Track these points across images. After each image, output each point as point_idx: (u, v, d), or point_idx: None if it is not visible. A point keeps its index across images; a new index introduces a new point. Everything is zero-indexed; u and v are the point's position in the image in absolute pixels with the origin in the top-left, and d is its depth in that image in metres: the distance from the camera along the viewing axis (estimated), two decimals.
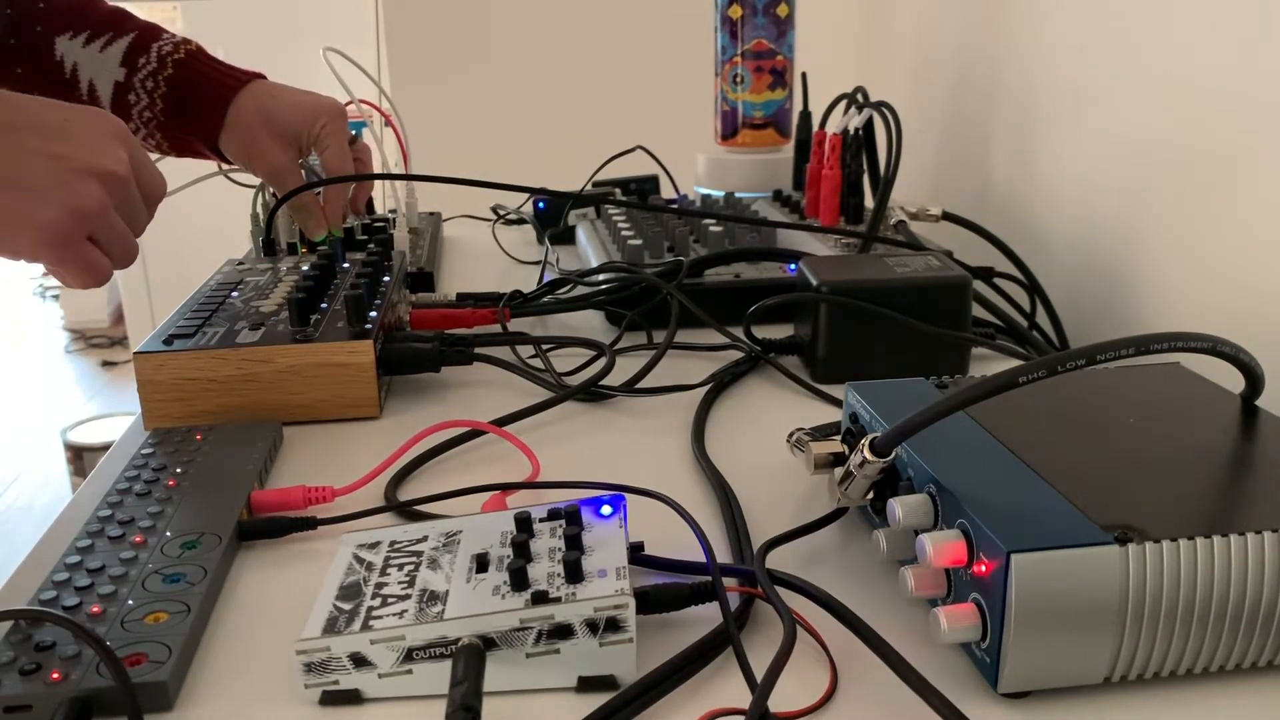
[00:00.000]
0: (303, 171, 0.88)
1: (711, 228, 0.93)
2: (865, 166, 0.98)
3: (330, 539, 0.52)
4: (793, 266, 0.87)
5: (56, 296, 4.19)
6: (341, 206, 0.91)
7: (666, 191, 1.21)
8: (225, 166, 0.96)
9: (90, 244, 0.60)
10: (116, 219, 0.61)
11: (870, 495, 0.48)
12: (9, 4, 0.82)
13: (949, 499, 0.42)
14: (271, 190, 0.97)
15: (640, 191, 1.19)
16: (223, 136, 0.85)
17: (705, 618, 0.44)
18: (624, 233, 0.94)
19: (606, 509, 0.48)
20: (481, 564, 0.44)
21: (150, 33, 0.85)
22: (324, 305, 0.73)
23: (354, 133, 0.92)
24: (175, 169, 0.98)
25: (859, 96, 0.97)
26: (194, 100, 0.84)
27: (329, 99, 0.89)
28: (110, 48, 0.82)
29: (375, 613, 0.42)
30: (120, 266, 0.63)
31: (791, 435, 0.56)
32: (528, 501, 0.53)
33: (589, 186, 1.17)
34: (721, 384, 0.72)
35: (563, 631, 0.41)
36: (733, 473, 0.58)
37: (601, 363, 0.72)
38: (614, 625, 0.41)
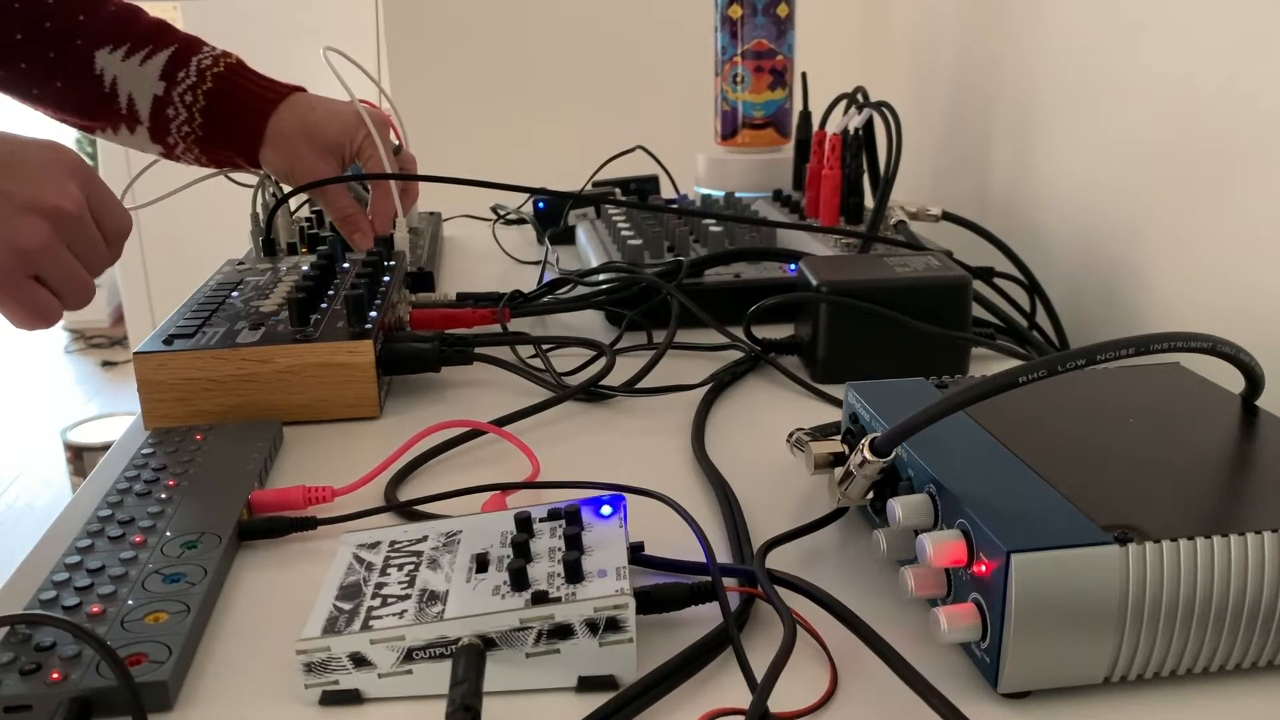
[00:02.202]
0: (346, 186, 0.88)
1: (711, 228, 0.93)
2: (865, 166, 0.98)
3: (330, 539, 0.52)
4: (793, 266, 0.87)
5: None
6: (389, 215, 0.90)
7: (666, 191, 1.21)
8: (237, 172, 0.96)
9: (36, 283, 0.58)
10: (67, 257, 0.59)
11: (870, 495, 0.48)
12: (50, 18, 0.82)
13: (949, 499, 0.42)
14: (271, 190, 0.97)
15: (640, 191, 1.19)
16: (263, 151, 0.85)
17: (705, 618, 0.44)
18: (624, 233, 0.94)
19: (606, 509, 0.48)
20: (481, 564, 0.44)
21: (190, 46, 0.85)
22: (324, 305, 0.73)
23: (397, 143, 0.92)
24: (175, 168, 0.98)
25: (859, 96, 0.97)
26: (233, 115, 0.83)
27: (369, 108, 0.88)
28: (150, 61, 0.82)
29: (375, 613, 0.42)
30: (72, 308, 0.60)
31: (791, 435, 0.56)
32: (528, 501, 0.53)
33: (589, 186, 1.17)
34: (721, 384, 0.72)
35: (563, 631, 0.41)
36: (733, 473, 0.58)
37: (601, 363, 0.72)
38: (614, 625, 0.41)
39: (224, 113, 0.83)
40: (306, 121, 0.84)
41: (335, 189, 0.86)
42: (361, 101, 0.90)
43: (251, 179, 0.98)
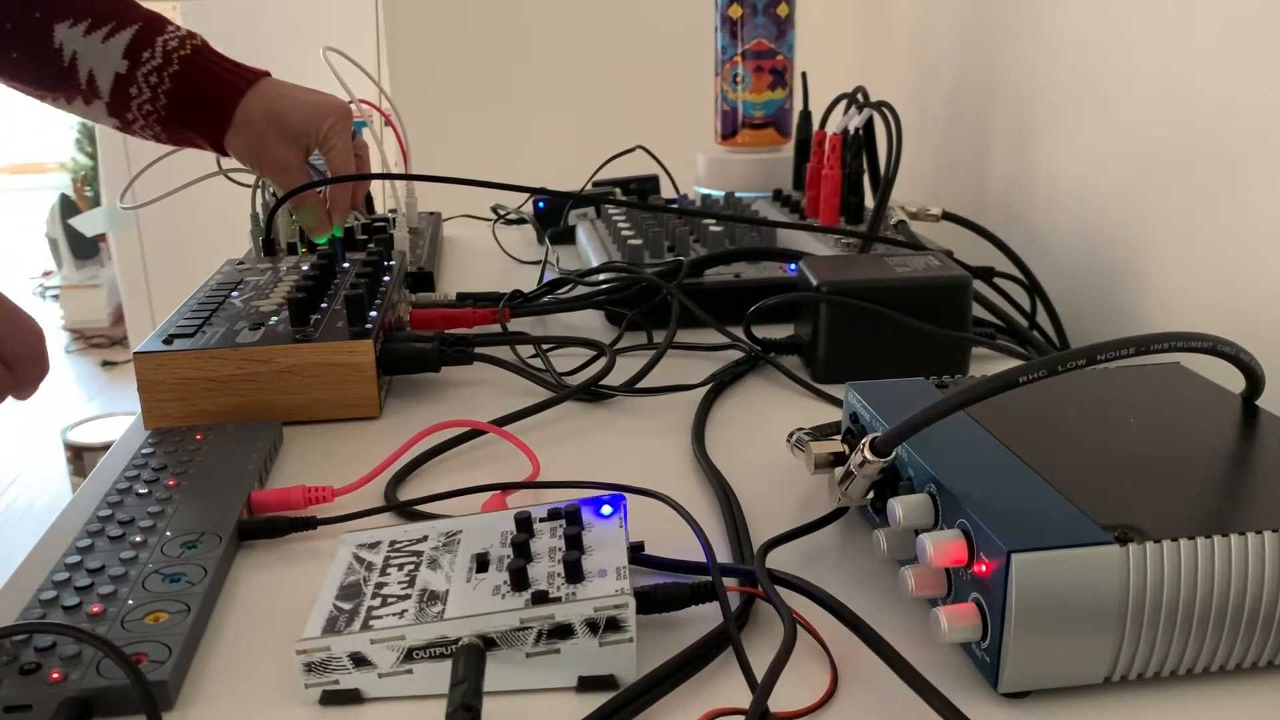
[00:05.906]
0: (309, 171, 0.88)
1: (711, 228, 0.93)
2: (865, 166, 0.98)
3: (330, 539, 0.52)
4: (793, 266, 0.87)
5: (56, 296, 4.20)
6: (347, 207, 0.90)
7: (666, 191, 1.21)
8: (225, 165, 0.97)
9: None
10: None
11: (870, 495, 0.48)
12: None
13: (949, 499, 0.42)
14: (272, 190, 0.97)
15: (640, 191, 1.19)
16: (229, 137, 0.84)
17: (705, 618, 0.44)
18: (624, 233, 0.94)
19: (606, 509, 0.48)
20: (481, 564, 0.44)
21: (155, 24, 0.84)
22: (324, 305, 0.73)
23: (353, 129, 0.92)
24: (175, 168, 0.98)
25: (859, 96, 0.97)
26: (199, 99, 0.83)
27: (335, 98, 0.88)
28: (112, 39, 0.81)
29: (375, 612, 0.42)
30: None
31: (791, 435, 0.56)
32: (528, 501, 0.53)
33: (589, 186, 1.17)
34: (721, 384, 0.72)
35: (563, 631, 0.41)
36: (733, 473, 0.58)
37: (601, 363, 0.72)
38: (614, 625, 0.41)
39: (190, 96, 0.83)
40: (274, 110, 0.84)
41: (299, 177, 0.86)
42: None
43: (250, 178, 0.98)
